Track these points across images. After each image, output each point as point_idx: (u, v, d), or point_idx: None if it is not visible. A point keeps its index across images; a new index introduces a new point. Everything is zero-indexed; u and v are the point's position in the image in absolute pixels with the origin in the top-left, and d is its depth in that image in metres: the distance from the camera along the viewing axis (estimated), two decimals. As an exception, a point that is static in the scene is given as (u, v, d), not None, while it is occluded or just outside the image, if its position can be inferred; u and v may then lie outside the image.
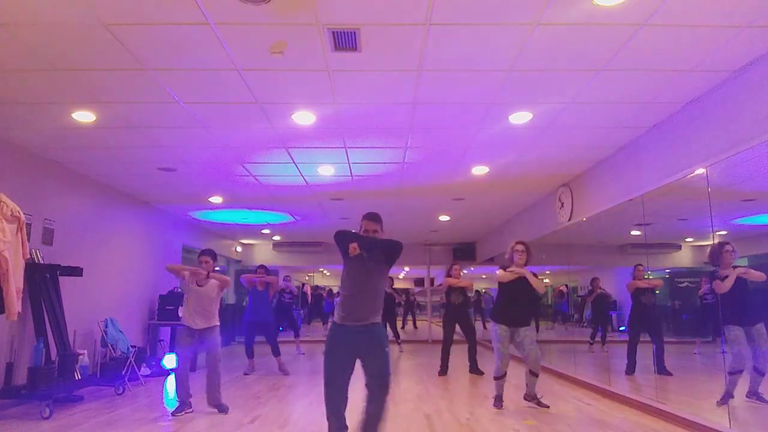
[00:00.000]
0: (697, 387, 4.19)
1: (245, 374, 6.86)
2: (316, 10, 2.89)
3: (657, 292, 5.93)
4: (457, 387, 6.00)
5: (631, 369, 5.59)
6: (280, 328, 9.60)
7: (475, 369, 6.93)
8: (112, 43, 3.20)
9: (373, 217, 3.13)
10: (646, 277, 5.66)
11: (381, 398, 3.03)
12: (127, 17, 2.93)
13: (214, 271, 4.71)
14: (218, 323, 4.68)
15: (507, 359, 4.65)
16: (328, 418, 3.06)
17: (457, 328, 7.19)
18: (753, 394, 3.94)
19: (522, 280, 4.67)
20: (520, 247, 4.80)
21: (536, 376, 4.65)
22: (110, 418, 4.38)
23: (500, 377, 4.69)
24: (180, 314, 6.11)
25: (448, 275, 7.21)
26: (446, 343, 7.03)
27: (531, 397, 4.73)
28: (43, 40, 3.15)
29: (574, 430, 3.95)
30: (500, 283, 4.80)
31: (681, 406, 4.19)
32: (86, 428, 4.05)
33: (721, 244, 4.21)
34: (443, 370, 6.93)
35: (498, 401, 4.75)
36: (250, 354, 7.00)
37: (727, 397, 4.03)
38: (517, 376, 6.80)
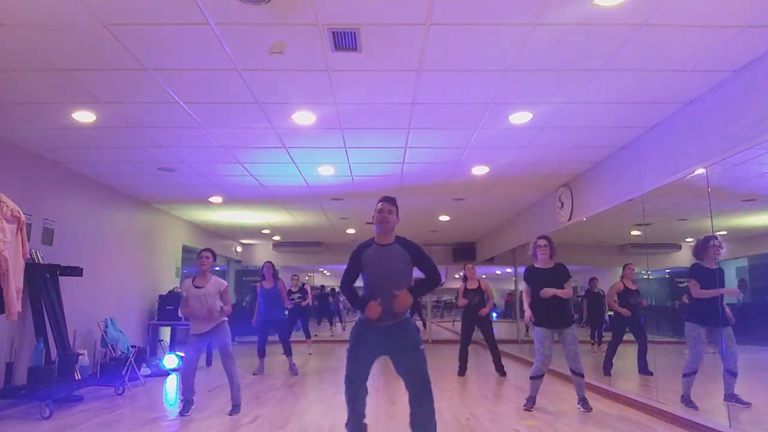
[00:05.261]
0: (697, 387, 4.18)
1: (254, 374, 6.78)
2: (316, 10, 2.89)
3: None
4: (458, 387, 6.00)
5: (607, 370, 5.56)
6: (293, 328, 9.60)
7: (500, 369, 6.85)
8: (112, 43, 3.20)
9: (389, 200, 3.16)
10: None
11: (425, 402, 2.92)
12: (127, 17, 2.93)
13: (213, 269, 4.79)
14: (224, 318, 4.64)
15: (548, 360, 4.53)
16: (348, 412, 3.02)
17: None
18: (731, 396, 3.84)
19: (553, 281, 4.58)
20: (542, 242, 4.69)
21: (579, 375, 4.51)
22: (110, 418, 4.38)
23: (537, 377, 4.59)
24: (180, 314, 6.11)
25: (464, 276, 7.17)
26: (464, 344, 6.97)
27: (579, 399, 4.59)
28: (43, 40, 3.15)
29: (574, 430, 3.96)
30: (532, 288, 4.68)
31: (681, 406, 4.19)
32: (86, 428, 4.05)
33: (707, 239, 4.07)
34: (461, 371, 6.89)
35: (530, 402, 4.64)
36: (261, 353, 6.92)
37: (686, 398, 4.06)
38: (516, 376, 6.81)
